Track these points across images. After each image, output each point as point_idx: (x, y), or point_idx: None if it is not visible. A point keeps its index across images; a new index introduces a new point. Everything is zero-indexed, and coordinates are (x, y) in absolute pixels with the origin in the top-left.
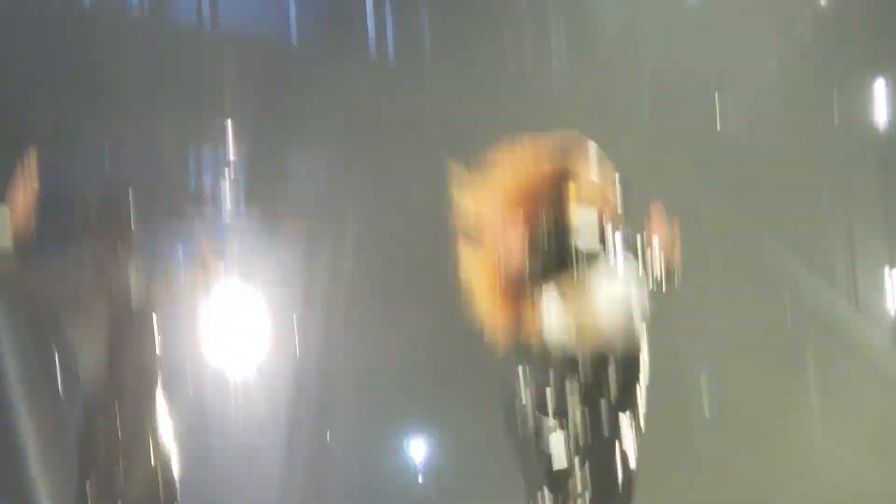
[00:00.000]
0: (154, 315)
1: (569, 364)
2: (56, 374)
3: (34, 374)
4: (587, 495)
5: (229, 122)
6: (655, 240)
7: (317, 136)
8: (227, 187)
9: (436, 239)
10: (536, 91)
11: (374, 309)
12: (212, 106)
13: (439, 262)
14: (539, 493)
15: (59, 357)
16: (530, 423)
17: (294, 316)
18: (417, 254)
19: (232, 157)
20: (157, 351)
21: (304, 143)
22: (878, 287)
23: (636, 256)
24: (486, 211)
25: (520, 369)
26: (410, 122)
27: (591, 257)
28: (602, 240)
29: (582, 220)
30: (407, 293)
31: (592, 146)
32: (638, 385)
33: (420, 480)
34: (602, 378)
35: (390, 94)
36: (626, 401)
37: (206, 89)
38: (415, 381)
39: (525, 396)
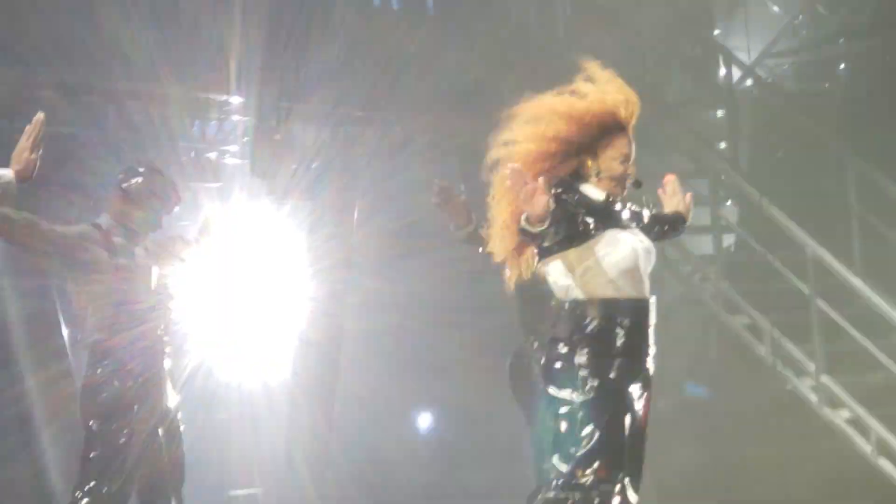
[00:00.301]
0: (162, 273)
1: (579, 308)
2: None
3: (40, 326)
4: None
5: (233, 70)
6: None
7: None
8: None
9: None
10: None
11: (381, 278)
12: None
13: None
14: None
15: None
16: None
17: (302, 284)
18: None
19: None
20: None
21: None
22: None
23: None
24: (521, 144)
25: (526, 310)
26: (418, 70)
27: (612, 205)
28: (623, 189)
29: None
30: (414, 260)
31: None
32: (647, 327)
33: (426, 450)
34: (611, 322)
35: (393, 41)
36: (635, 344)
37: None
38: (423, 353)
39: (531, 340)
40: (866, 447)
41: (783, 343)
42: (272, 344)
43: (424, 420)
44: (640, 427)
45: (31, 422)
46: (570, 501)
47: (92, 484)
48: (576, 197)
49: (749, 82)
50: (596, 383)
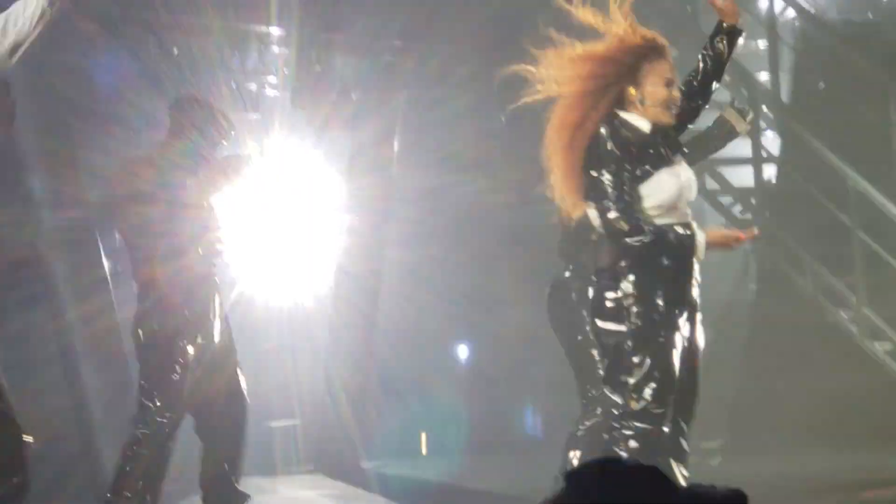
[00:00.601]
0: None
1: (623, 245)
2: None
3: (81, 258)
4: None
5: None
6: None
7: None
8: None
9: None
10: None
11: (421, 209)
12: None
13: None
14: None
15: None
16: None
17: (342, 216)
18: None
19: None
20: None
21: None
22: None
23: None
24: (567, 75)
25: (567, 239)
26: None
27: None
28: (670, 116)
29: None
30: (454, 191)
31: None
32: (691, 255)
33: (465, 381)
34: (655, 249)
35: None
36: (679, 272)
37: None
38: (463, 284)
39: (571, 270)
40: None
41: (824, 275)
42: (312, 276)
43: (464, 351)
44: (692, 362)
45: (72, 354)
46: (623, 429)
47: (148, 414)
48: (623, 133)
49: (791, 13)
50: (642, 311)
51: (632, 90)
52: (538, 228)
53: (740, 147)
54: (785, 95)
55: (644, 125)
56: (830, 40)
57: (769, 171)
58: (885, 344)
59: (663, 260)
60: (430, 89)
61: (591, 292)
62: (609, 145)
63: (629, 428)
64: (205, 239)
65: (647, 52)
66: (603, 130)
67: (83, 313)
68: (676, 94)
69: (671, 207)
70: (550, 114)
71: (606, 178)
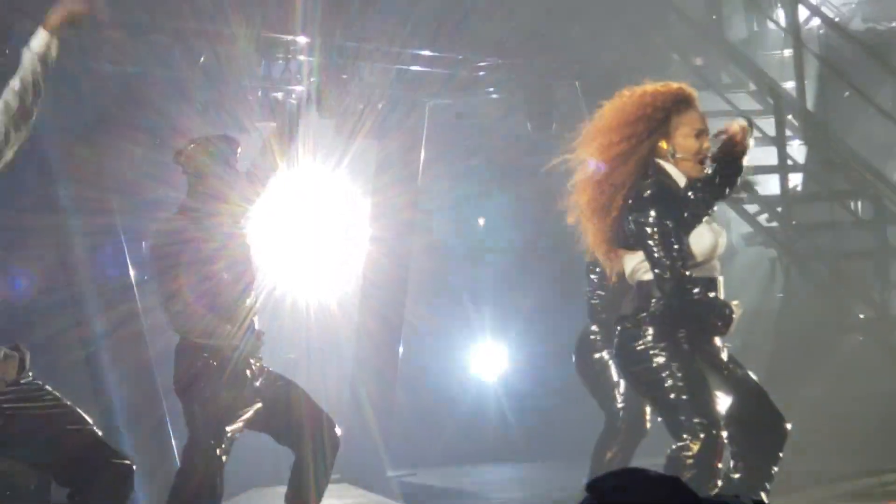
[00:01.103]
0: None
1: (645, 288)
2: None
3: (107, 266)
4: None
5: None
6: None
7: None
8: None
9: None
10: None
11: (447, 219)
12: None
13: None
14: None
15: None
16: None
17: (368, 225)
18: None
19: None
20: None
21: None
22: None
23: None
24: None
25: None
26: (485, 8)
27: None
28: (703, 168)
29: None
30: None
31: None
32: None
33: (489, 391)
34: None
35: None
36: (703, 320)
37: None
38: (489, 295)
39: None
40: None
41: (850, 283)
42: (337, 285)
43: (489, 361)
44: (748, 393)
45: (98, 362)
46: (683, 459)
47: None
48: (666, 181)
49: (816, 21)
50: (666, 354)
51: (663, 144)
52: (564, 238)
53: (766, 156)
54: (810, 104)
55: (679, 177)
56: (855, 49)
57: (795, 180)
58: None
59: (686, 310)
60: (457, 98)
61: (615, 342)
62: (653, 193)
63: (686, 458)
64: (230, 247)
65: (677, 105)
66: (647, 180)
67: (109, 321)
68: (707, 144)
69: (705, 261)
70: (579, 180)
71: (653, 226)
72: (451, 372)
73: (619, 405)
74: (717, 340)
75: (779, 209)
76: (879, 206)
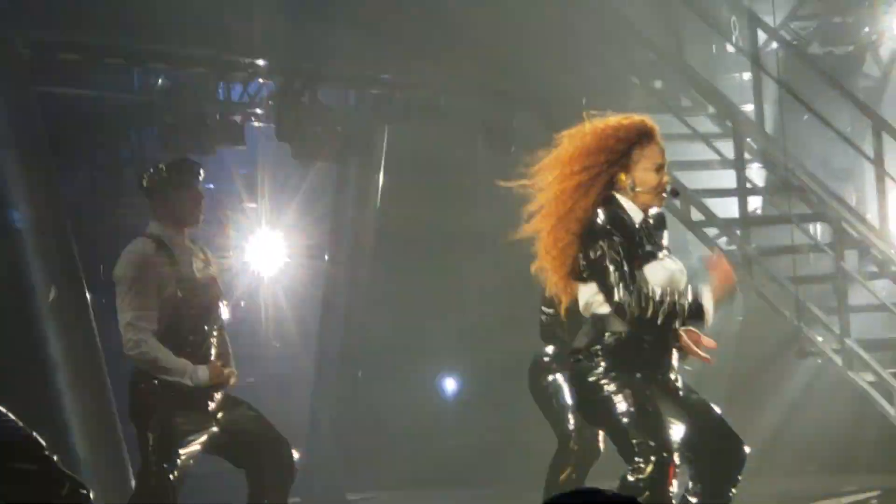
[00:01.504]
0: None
1: (599, 322)
2: None
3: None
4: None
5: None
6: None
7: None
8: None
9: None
10: None
11: (406, 243)
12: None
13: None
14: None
15: None
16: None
17: (326, 248)
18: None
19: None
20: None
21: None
22: None
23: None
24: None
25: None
26: (444, 33)
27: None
28: (661, 201)
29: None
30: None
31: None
32: (671, 340)
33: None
34: (633, 336)
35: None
36: (656, 356)
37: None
38: (448, 318)
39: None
40: (890, 409)
41: (808, 306)
42: (297, 308)
43: (451, 383)
44: (700, 407)
45: (54, 385)
46: (637, 466)
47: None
48: (620, 215)
49: (774, 45)
50: (617, 383)
51: (622, 176)
52: (526, 260)
53: (725, 178)
54: (769, 127)
55: (636, 214)
56: (813, 72)
57: (754, 203)
58: (868, 375)
59: (640, 345)
60: (416, 122)
61: (568, 375)
62: (608, 226)
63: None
64: (193, 273)
65: (639, 138)
66: (601, 211)
67: (65, 344)
68: (666, 178)
69: (664, 295)
70: (537, 209)
71: (608, 257)
72: (413, 394)
73: (571, 427)
74: (675, 368)
75: (738, 232)
76: (838, 229)
